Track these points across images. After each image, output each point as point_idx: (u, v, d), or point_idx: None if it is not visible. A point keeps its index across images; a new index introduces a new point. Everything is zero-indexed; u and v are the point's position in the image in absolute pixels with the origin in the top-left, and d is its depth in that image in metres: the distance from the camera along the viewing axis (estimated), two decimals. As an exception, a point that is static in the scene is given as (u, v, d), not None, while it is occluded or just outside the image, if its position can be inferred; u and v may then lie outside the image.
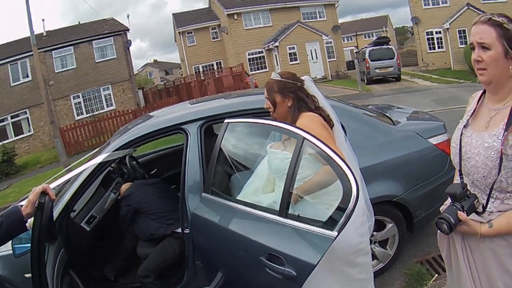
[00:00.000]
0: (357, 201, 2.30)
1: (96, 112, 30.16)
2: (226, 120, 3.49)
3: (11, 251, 3.43)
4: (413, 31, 42.74)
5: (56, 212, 3.76)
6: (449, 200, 2.17)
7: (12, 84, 29.39)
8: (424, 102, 16.94)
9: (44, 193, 2.58)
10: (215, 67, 40.36)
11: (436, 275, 4.36)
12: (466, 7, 30.62)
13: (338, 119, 3.21)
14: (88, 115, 29.89)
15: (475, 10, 29.05)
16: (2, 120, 29.21)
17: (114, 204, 4.75)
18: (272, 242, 2.69)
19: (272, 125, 3.08)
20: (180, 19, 41.73)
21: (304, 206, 2.76)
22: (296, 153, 2.66)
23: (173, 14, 43.50)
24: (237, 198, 3.22)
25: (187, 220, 3.74)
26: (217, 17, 40.17)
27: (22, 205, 2.56)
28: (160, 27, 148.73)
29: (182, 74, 46.56)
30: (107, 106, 31.73)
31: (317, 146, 2.55)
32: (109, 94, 32.30)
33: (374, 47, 28.91)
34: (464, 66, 27.76)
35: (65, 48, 31.01)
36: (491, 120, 2.08)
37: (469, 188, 2.11)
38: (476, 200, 2.08)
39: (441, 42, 33.42)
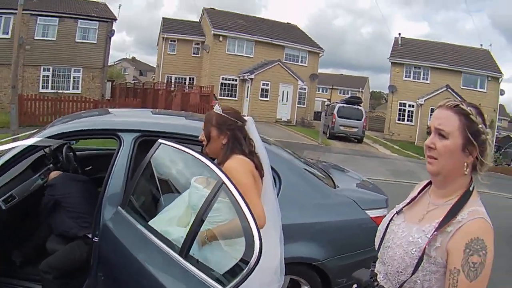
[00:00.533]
0: (258, 260, 2.21)
1: (60, 91, 29.64)
2: (159, 140, 3.34)
3: None
4: (387, 99, 43.76)
5: None
6: (354, 286, 2.09)
7: None
8: (379, 170, 17.44)
9: None
10: (187, 82, 40.37)
11: None
12: (445, 89, 32.04)
13: (270, 169, 3.07)
14: (53, 91, 29.33)
15: (453, 93, 30.44)
16: None
17: (39, 190, 4.57)
18: (165, 281, 2.62)
19: (197, 158, 2.87)
20: (168, 24, 41.76)
21: (210, 251, 2.65)
22: (212, 194, 2.56)
23: (163, 17, 43.55)
24: (149, 222, 3.10)
25: (98, 229, 3.63)
26: (203, 33, 40.32)
27: None
28: (148, 27, 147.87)
29: (154, 79, 46.27)
30: (73, 88, 31.40)
31: (232, 194, 2.43)
32: (78, 77, 32.01)
33: (344, 104, 29.68)
34: (427, 144, 29.02)
35: (50, 18, 30.66)
36: (427, 214, 1.90)
37: (379, 278, 1.96)
38: None
39: (411, 116, 34.86)
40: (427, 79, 35.03)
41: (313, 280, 4.11)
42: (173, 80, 39.80)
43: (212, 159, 2.87)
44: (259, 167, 2.96)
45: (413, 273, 1.78)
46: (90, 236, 3.81)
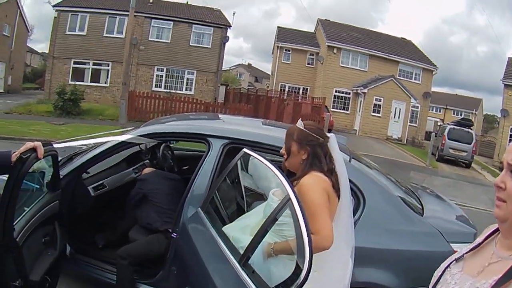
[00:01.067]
0: (306, 279, 2.21)
1: (173, 91, 30.99)
2: (244, 149, 3.42)
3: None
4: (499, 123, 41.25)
5: (68, 169, 4.26)
6: None
7: (104, 35, 31.35)
8: (483, 198, 16.34)
9: (33, 149, 2.80)
10: (301, 92, 40.30)
11: None
12: None
13: (348, 188, 3.02)
14: (165, 90, 30.73)
15: None
16: (84, 64, 31.18)
17: (130, 183, 5.01)
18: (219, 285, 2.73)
19: (273, 172, 2.86)
20: (283, 34, 42.15)
21: (274, 264, 2.68)
22: (278, 208, 2.57)
23: (278, 26, 44.10)
24: (224, 227, 3.16)
25: (178, 226, 3.86)
26: (318, 44, 40.28)
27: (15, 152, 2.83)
28: (265, 35, 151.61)
29: (268, 86, 46.86)
30: (186, 90, 32.58)
31: (295, 211, 2.42)
32: (192, 79, 33.18)
33: (455, 126, 28.10)
34: (541, 176, 26.65)
35: (165, 21, 32.37)
36: (488, 266, 1.54)
37: None
38: None
39: None
40: None
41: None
42: (286, 89, 39.84)
43: (292, 174, 3.01)
44: (335, 186, 2.91)
45: None
46: (170, 231, 4.07)
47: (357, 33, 39.53)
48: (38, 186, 3.55)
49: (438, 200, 5.36)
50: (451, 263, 1.71)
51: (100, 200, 4.78)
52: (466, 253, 1.69)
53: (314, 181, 2.83)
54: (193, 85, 33.11)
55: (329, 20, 41.54)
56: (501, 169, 1.54)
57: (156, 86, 31.88)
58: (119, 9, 30.36)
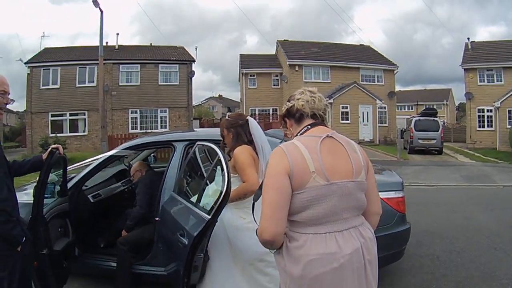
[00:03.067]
0: (224, 200, 3.32)
1: (149, 130, 31.93)
2: (197, 142, 4.63)
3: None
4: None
5: (73, 181, 5.33)
6: None
7: (77, 85, 32.49)
8: (452, 177, 17.53)
9: (55, 148, 4.02)
10: (271, 113, 41.40)
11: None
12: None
13: (269, 151, 4.04)
14: (142, 131, 31.59)
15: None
16: (61, 115, 32.23)
17: (119, 193, 6.55)
18: (182, 221, 3.87)
19: (213, 148, 3.94)
20: (246, 60, 43.38)
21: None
22: (213, 165, 3.82)
23: (240, 54, 45.87)
24: (191, 198, 4.17)
25: (158, 210, 4.82)
26: (280, 65, 41.53)
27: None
28: (232, 64, 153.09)
29: (239, 114, 47.63)
30: (161, 127, 33.64)
31: (222, 165, 3.51)
32: (165, 117, 34.37)
33: (420, 118, 29.38)
34: (509, 148, 27.92)
35: (132, 65, 33.65)
36: None
37: None
38: None
39: (491, 121, 33.29)
40: (501, 80, 33.34)
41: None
42: (257, 112, 41.02)
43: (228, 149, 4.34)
44: (256, 151, 4.14)
45: None
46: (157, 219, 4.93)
47: (316, 48, 40.79)
48: (50, 195, 4.53)
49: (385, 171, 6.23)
50: None
51: (97, 207, 5.98)
52: None
53: (240, 149, 4.11)
54: (167, 122, 34.24)
55: (288, 40, 42.77)
56: None
57: (132, 128, 32.88)
58: (88, 58, 31.54)
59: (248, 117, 4.38)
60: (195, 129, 7.32)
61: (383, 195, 4.38)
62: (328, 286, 2.25)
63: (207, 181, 3.89)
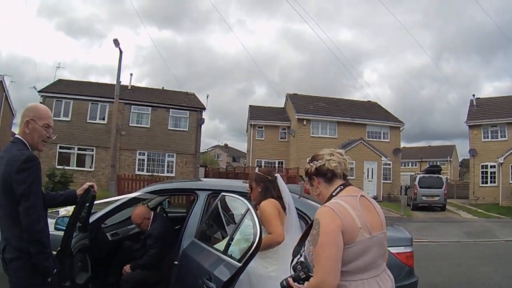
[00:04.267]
0: (256, 249, 3.37)
1: (155, 174, 32.06)
2: (222, 193, 4.73)
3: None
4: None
5: (93, 218, 5.38)
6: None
7: (88, 120, 32.91)
8: (455, 233, 17.75)
9: (91, 186, 4.19)
10: (277, 165, 41.21)
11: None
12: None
13: (294, 206, 4.37)
14: (148, 173, 31.74)
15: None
16: (70, 148, 32.40)
17: (135, 234, 6.44)
18: (208, 267, 3.90)
19: (240, 199, 4.18)
20: (255, 112, 43.95)
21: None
22: (242, 215, 3.88)
23: (250, 105, 46.21)
24: (215, 245, 4.25)
25: (178, 255, 4.84)
26: (288, 118, 41.91)
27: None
28: (240, 114, 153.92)
29: (245, 164, 47.69)
30: (167, 172, 33.87)
31: (253, 216, 3.62)
32: (172, 162, 34.66)
33: (425, 175, 29.68)
34: (511, 203, 28.02)
35: (144, 107, 34.15)
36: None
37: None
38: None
39: (494, 177, 33.25)
40: (505, 136, 33.58)
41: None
42: (263, 164, 40.85)
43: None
44: (283, 206, 4.31)
45: None
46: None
47: (324, 103, 41.31)
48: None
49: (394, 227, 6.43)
50: None
51: (114, 246, 6.16)
52: None
53: (268, 202, 4.27)
54: (174, 167, 34.46)
55: (297, 94, 43.43)
56: None
57: (138, 169, 33.00)
58: (101, 95, 32.15)
59: (277, 174, 4.59)
60: (215, 180, 7.50)
61: (393, 250, 4.65)
62: None
63: (235, 231, 3.99)
